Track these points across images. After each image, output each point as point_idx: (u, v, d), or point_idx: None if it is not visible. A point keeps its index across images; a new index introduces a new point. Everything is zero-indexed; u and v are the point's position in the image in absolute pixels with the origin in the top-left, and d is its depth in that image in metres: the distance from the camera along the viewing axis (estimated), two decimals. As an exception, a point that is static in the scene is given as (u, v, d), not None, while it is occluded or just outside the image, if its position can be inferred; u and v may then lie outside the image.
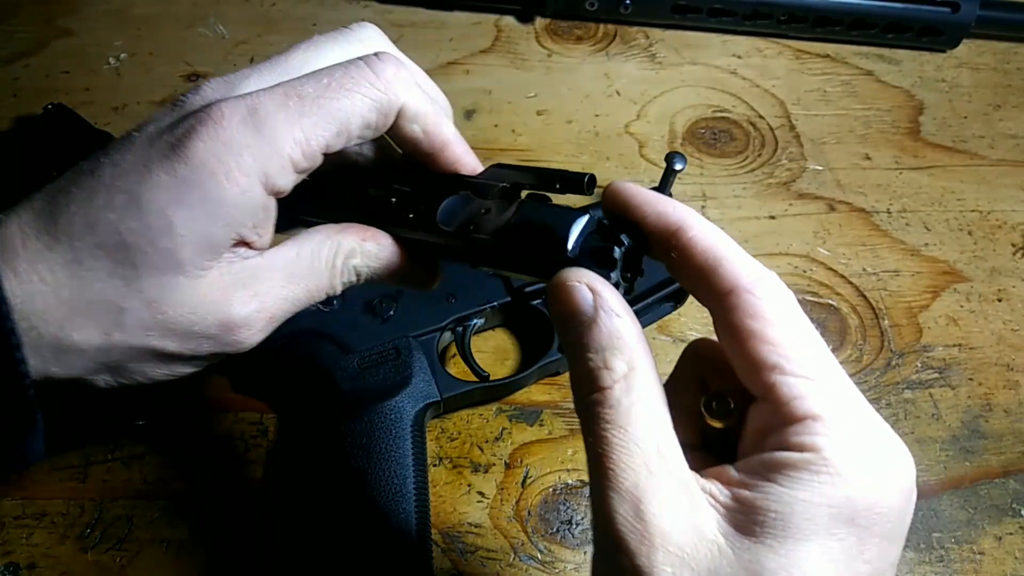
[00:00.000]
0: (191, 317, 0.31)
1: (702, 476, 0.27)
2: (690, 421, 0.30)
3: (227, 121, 0.30)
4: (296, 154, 0.31)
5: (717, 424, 0.29)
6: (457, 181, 0.35)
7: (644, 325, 0.39)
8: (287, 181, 0.32)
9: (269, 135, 0.31)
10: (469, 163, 0.36)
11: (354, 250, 0.35)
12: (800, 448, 0.25)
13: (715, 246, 0.28)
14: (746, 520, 0.25)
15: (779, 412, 0.26)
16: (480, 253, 0.34)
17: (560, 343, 0.30)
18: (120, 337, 0.31)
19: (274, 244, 0.34)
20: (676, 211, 0.30)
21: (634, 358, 0.27)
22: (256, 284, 0.33)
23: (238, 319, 0.32)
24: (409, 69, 0.35)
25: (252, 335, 0.33)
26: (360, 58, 0.33)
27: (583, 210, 0.32)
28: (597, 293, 0.28)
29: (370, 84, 0.32)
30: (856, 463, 0.25)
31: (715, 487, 0.26)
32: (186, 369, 0.34)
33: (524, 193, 0.34)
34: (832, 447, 0.25)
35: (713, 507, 0.26)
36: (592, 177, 0.32)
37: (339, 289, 0.36)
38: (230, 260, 0.32)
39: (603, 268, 0.30)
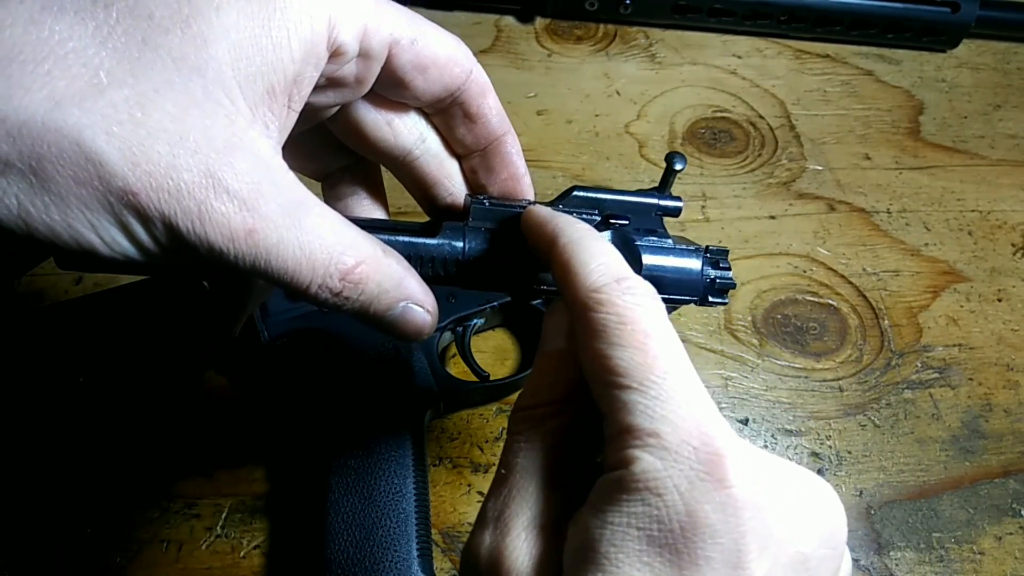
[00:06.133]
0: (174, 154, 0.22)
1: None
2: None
3: None
4: (371, 19, 0.26)
5: None
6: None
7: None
8: (350, 45, 0.26)
9: None
10: (520, 164, 0.34)
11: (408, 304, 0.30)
12: (615, 465, 0.23)
13: (568, 257, 0.27)
14: (572, 548, 0.23)
15: (605, 426, 0.24)
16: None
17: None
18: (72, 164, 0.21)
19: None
20: (551, 225, 0.29)
21: None
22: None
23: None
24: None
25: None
26: None
27: None
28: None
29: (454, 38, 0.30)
30: (684, 483, 0.21)
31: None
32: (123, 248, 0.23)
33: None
34: (649, 462, 0.22)
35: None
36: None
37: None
38: (265, 129, 0.24)
39: None
